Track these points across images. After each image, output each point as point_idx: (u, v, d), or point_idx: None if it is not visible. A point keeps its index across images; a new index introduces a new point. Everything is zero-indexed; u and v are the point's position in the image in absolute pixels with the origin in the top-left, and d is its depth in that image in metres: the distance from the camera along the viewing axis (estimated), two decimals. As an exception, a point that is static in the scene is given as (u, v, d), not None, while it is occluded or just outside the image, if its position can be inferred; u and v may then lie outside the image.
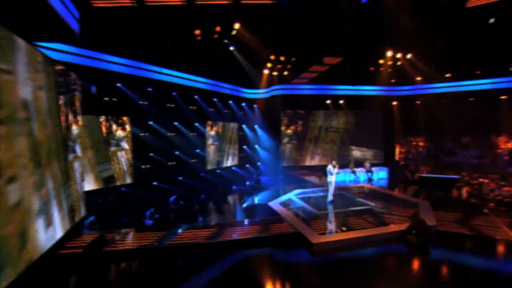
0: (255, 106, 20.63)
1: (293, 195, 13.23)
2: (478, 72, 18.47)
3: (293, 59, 17.76)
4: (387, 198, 12.71)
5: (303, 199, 12.60)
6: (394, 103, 20.71)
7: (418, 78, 19.63)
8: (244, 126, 20.36)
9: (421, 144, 19.74)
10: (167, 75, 14.98)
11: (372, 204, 11.47)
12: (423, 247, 8.02)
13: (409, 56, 17.27)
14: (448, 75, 19.01)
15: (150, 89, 13.72)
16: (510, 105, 18.18)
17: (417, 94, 20.24)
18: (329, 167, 12.14)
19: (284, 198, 12.66)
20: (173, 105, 15.13)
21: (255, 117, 20.75)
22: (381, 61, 17.88)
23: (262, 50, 16.01)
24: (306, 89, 20.16)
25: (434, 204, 11.40)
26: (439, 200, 12.82)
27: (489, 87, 18.55)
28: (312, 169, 20.27)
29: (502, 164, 16.99)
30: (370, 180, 17.68)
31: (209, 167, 17.53)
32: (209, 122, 17.75)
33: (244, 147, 20.49)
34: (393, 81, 19.90)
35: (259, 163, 20.73)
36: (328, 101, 20.51)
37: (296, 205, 11.73)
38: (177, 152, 15.07)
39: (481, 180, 14.97)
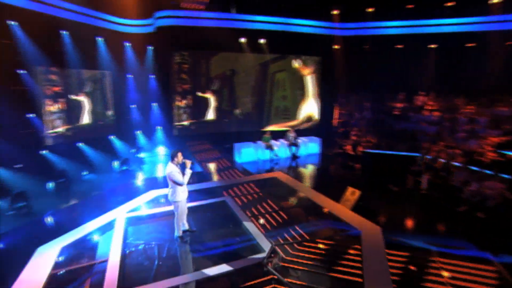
0: (126, 44, 12.49)
1: (126, 211, 6.20)
2: (449, 4, 12.12)
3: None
4: (306, 214, 6.46)
5: (134, 229, 5.74)
6: (336, 46, 13.98)
7: (370, 10, 12.83)
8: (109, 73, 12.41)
9: (366, 104, 13.64)
10: None
11: (268, 249, 5.00)
12: None
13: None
14: (410, 6, 12.41)
15: None
16: (478, 57, 12.41)
17: (367, 34, 13.60)
18: (170, 168, 4.88)
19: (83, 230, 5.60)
20: None
21: (128, 61, 12.76)
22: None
23: None
24: (207, 19, 12.25)
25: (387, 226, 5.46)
26: (392, 206, 7.00)
27: (456, 29, 12.56)
28: (217, 141, 13.42)
29: (461, 136, 11.58)
30: (295, 157, 11.44)
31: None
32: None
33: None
34: (335, 12, 12.84)
35: (138, 132, 13.31)
36: (242, 40, 13.04)
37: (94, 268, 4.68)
38: None
39: (446, 160, 9.42)
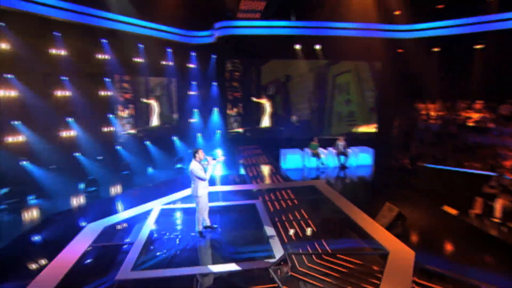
0: (192, 53, 13.72)
1: (163, 203, 6.79)
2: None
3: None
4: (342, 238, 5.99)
5: (165, 220, 6.20)
6: (400, 50, 12.70)
7: (440, 7, 11.29)
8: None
9: (433, 113, 11.93)
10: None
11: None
12: None
13: None
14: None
15: None
16: None
17: (436, 35, 11.93)
18: (193, 165, 5.16)
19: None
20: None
21: (192, 69, 13.98)
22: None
23: None
24: (262, 27, 12.57)
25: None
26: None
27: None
28: (270, 147, 13.47)
29: None
30: (343, 167, 10.77)
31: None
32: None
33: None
34: (397, 13, 11.72)
35: (198, 134, 14.33)
36: (297, 46, 12.95)
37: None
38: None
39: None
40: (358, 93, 13.95)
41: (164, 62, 13.20)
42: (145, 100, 13.09)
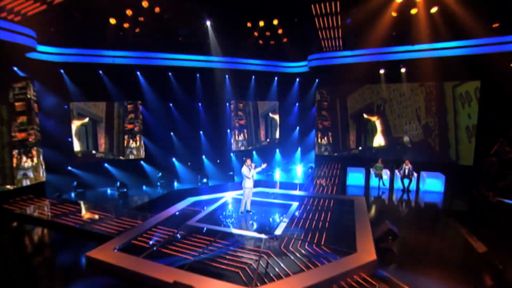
0: (297, 79, 16.97)
1: (235, 194, 10.18)
2: None
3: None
4: None
5: (228, 204, 9.53)
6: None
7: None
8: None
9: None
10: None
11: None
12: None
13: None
14: None
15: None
16: None
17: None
18: (243, 168, 8.31)
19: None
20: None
21: (294, 93, 17.10)
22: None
23: None
24: (348, 57, 13.88)
25: None
26: None
27: None
28: (347, 160, 14.64)
29: None
30: (406, 191, 10.95)
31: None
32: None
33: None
34: (495, 26, 10.42)
35: (298, 149, 17.23)
36: (381, 71, 13.48)
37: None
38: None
39: None
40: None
41: (270, 88, 16.98)
42: (271, 115, 17.32)
